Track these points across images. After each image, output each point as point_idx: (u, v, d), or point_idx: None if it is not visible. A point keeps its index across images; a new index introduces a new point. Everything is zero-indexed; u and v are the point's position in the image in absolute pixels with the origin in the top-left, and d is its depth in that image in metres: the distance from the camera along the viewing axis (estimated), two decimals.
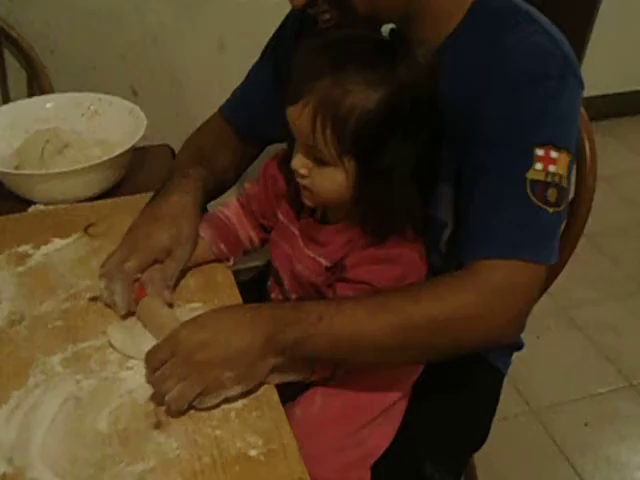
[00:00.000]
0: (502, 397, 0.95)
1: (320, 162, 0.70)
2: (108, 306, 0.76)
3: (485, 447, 0.92)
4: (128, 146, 0.95)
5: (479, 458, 1.05)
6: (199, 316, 0.69)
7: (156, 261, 0.77)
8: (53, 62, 1.48)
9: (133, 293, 0.75)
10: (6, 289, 0.79)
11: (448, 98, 0.69)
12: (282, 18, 0.98)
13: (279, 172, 0.85)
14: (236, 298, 0.79)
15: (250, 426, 0.63)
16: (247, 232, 0.87)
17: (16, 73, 1.47)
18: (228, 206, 0.88)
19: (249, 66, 1.03)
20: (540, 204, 0.66)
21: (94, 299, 0.78)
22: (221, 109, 0.99)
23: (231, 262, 0.85)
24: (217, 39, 1.56)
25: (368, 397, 0.76)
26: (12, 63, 1.47)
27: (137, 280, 0.76)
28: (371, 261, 0.73)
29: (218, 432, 0.63)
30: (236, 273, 0.85)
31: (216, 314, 0.69)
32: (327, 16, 0.71)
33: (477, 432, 0.89)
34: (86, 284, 0.80)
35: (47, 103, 1.07)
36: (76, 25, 1.47)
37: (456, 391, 0.85)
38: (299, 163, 0.71)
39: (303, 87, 0.67)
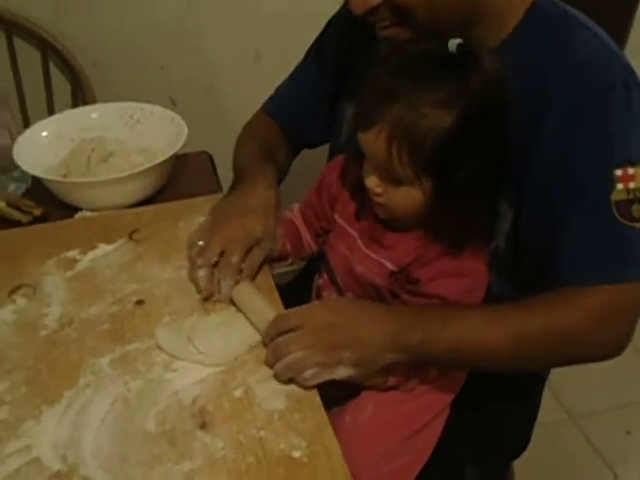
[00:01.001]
0: (542, 404, 0.94)
1: (396, 182, 0.70)
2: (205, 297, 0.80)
3: (524, 454, 0.91)
4: (170, 154, 0.98)
5: (518, 466, 1.04)
6: (331, 300, 0.77)
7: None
8: (95, 74, 1.53)
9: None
10: (57, 293, 0.82)
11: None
12: (317, 29, 1.00)
13: (337, 179, 0.86)
14: (276, 301, 0.80)
15: (293, 428, 0.64)
16: (307, 238, 0.90)
17: (61, 85, 1.52)
18: (292, 210, 0.91)
19: (283, 76, 1.05)
20: (628, 223, 0.67)
21: (140, 303, 0.80)
22: (264, 107, 1.01)
23: (289, 261, 0.89)
24: (253, 50, 1.59)
25: (415, 406, 0.77)
26: (57, 75, 1.52)
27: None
28: (444, 274, 0.74)
29: (262, 433, 0.64)
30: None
31: (347, 302, 0.77)
32: (386, 23, 0.72)
33: (518, 438, 0.89)
34: (132, 288, 0.82)
35: (92, 113, 1.10)
36: (118, 37, 1.52)
37: (497, 397, 0.85)
38: (373, 183, 0.73)
39: (376, 113, 0.67)
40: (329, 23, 0.95)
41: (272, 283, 0.83)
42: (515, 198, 0.74)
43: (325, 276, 0.89)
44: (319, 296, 0.89)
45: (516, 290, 0.78)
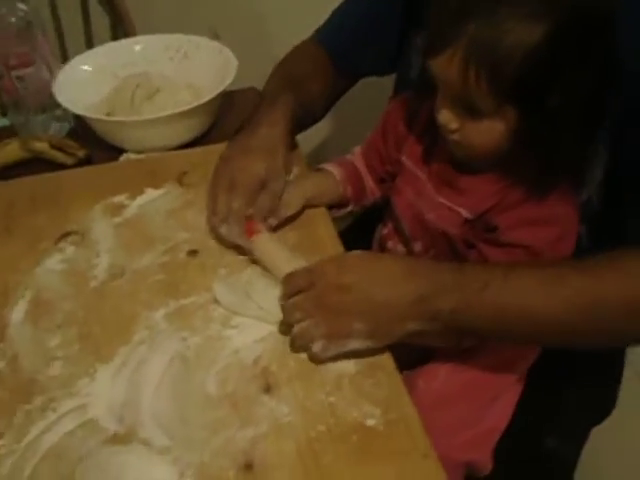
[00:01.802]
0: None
1: (473, 114, 0.61)
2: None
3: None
4: (219, 90, 0.90)
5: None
6: (347, 256, 0.65)
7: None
8: (135, 5, 1.43)
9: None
10: (104, 240, 0.77)
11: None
12: None
13: (404, 117, 0.77)
14: (340, 251, 0.73)
15: (365, 394, 0.58)
16: (369, 183, 0.82)
17: (100, 18, 1.44)
18: (354, 153, 0.83)
19: None
20: None
21: (193, 253, 0.74)
22: (317, 31, 0.91)
23: (350, 208, 0.81)
24: None
25: (489, 375, 0.70)
26: (95, 8, 1.43)
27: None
28: (528, 221, 0.65)
29: (332, 399, 0.58)
30: None
31: (366, 259, 0.64)
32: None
33: (601, 404, 0.82)
34: (183, 237, 0.76)
35: (136, 46, 1.02)
36: None
37: (577, 362, 0.78)
38: (447, 117, 0.63)
39: (448, 33, 0.57)
40: None
41: (334, 232, 0.76)
42: (612, 140, 0.64)
43: (390, 225, 0.81)
44: (383, 247, 0.82)
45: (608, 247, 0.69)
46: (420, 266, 0.62)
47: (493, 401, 0.71)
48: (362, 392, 0.59)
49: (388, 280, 0.60)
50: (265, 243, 0.71)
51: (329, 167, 0.81)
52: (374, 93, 0.98)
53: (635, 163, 0.62)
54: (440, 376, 0.69)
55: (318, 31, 0.93)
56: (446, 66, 0.59)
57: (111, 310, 0.68)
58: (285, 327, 0.63)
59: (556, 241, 0.66)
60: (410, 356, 0.67)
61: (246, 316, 0.66)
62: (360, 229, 0.93)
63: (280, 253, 0.69)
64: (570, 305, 0.58)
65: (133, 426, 0.57)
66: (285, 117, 0.79)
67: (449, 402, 0.69)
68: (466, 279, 0.60)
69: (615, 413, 0.83)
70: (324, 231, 0.77)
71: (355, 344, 0.60)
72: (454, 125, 0.64)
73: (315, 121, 0.91)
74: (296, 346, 0.62)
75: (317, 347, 0.60)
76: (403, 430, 0.56)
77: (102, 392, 0.60)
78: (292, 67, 0.90)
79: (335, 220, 0.81)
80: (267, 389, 0.59)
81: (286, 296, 0.62)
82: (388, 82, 0.93)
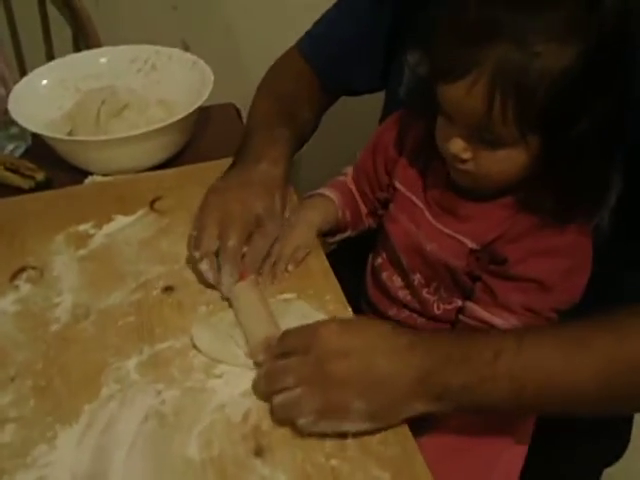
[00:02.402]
0: None
1: (491, 143, 0.55)
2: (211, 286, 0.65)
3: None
4: (195, 106, 0.82)
5: None
6: (350, 320, 0.58)
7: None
8: (99, 15, 1.35)
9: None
10: (68, 277, 0.68)
11: None
12: None
13: (395, 139, 0.71)
14: (334, 288, 0.66)
15: (372, 455, 0.51)
16: (363, 209, 0.76)
17: (61, 29, 1.35)
18: (346, 175, 0.76)
19: (315, 13, 0.87)
20: None
21: (169, 289, 0.66)
22: (300, 44, 0.84)
23: (347, 234, 0.75)
24: None
25: (498, 426, 0.63)
26: (56, 18, 1.34)
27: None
28: (540, 252, 0.59)
29: (334, 462, 0.50)
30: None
31: (367, 324, 0.56)
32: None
33: (614, 443, 0.76)
34: (157, 271, 0.68)
35: (100, 57, 0.94)
36: None
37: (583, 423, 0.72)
38: (459, 147, 0.57)
39: (468, 57, 0.51)
40: None
41: (327, 264, 0.69)
42: (626, 166, 0.58)
43: (384, 254, 0.74)
44: (377, 279, 0.75)
45: (613, 276, 0.63)
46: (424, 338, 0.54)
47: (503, 451, 0.64)
48: (368, 452, 0.51)
49: (392, 351, 0.52)
50: (249, 293, 0.63)
51: (326, 192, 0.75)
52: (363, 110, 0.91)
53: None
54: (446, 429, 0.61)
55: (300, 43, 0.86)
56: (465, 93, 0.53)
57: (74, 359, 0.59)
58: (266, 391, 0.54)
59: (569, 275, 0.61)
60: None
61: (230, 364, 0.58)
62: (346, 254, 0.86)
63: (261, 310, 0.61)
64: (596, 372, 0.51)
65: None
66: (286, 157, 0.73)
67: (456, 456, 0.62)
68: (475, 349, 0.52)
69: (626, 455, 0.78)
70: (315, 263, 0.69)
71: (350, 426, 0.51)
72: (467, 155, 0.57)
73: (305, 144, 0.85)
74: (281, 416, 0.53)
75: (304, 422, 0.51)
76: None
77: (64, 461, 0.51)
78: (280, 89, 0.84)
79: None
80: (259, 452, 0.51)
81: (274, 357, 0.54)
82: (377, 99, 0.86)
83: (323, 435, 0.52)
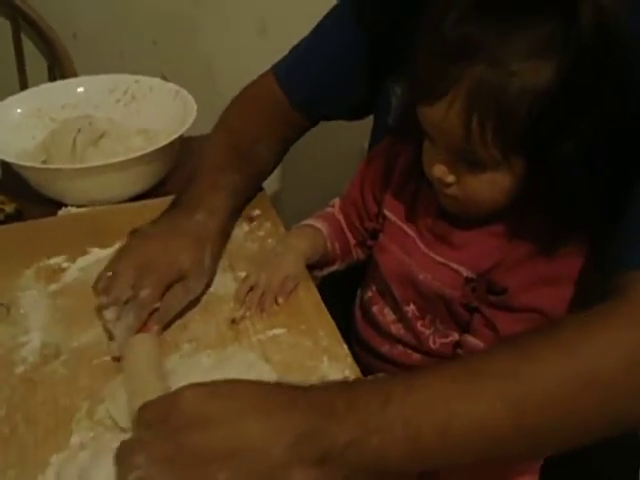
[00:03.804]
0: None
1: (474, 167, 0.53)
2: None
3: None
4: (178, 133, 0.79)
5: None
6: (218, 382, 0.46)
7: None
8: (76, 48, 1.32)
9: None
10: (36, 315, 0.63)
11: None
12: None
13: (383, 167, 0.69)
14: (327, 323, 0.62)
15: None
16: (352, 241, 0.73)
17: (35, 60, 1.32)
18: (334, 206, 0.73)
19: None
20: None
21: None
22: (273, 69, 0.81)
23: (336, 267, 0.72)
24: (258, 20, 1.40)
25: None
26: (31, 49, 1.31)
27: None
28: (541, 281, 0.57)
29: None
30: None
31: (241, 384, 0.46)
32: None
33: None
34: None
35: (78, 87, 0.91)
36: (101, 6, 1.32)
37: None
38: (442, 171, 0.55)
39: (445, 77, 0.50)
40: None
41: (318, 297, 0.66)
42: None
43: (374, 287, 0.71)
44: (367, 313, 0.71)
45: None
46: (308, 392, 0.45)
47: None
48: None
49: (266, 413, 0.43)
50: (143, 347, 0.56)
51: (314, 222, 0.72)
52: (350, 140, 0.89)
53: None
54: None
55: (275, 68, 0.83)
56: (443, 114, 0.51)
57: (42, 404, 0.54)
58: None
59: (569, 301, 0.58)
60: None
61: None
62: (332, 289, 0.82)
63: (152, 367, 0.54)
64: (497, 401, 0.43)
65: None
66: (227, 208, 0.69)
67: None
68: (360, 400, 0.44)
69: None
70: (305, 295, 0.65)
71: None
72: (451, 179, 0.56)
73: (262, 182, 0.82)
74: None
75: None
76: None
77: None
78: (242, 123, 0.80)
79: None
80: None
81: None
82: (365, 128, 0.85)
83: None
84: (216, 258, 0.66)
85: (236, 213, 0.72)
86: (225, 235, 0.69)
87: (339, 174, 0.79)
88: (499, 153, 0.51)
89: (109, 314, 0.57)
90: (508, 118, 0.49)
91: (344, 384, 0.49)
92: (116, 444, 0.49)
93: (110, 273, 0.60)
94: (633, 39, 0.50)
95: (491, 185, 0.55)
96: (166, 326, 0.61)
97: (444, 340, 0.64)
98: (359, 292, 0.74)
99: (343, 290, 0.77)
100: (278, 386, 0.47)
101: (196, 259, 0.62)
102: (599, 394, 0.44)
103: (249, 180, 0.75)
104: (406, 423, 0.42)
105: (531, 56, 0.48)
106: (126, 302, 0.58)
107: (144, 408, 0.45)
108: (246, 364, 0.57)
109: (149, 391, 0.50)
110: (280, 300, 0.64)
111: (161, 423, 0.43)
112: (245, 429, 0.42)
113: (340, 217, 0.74)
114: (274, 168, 0.83)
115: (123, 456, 0.43)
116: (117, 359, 0.57)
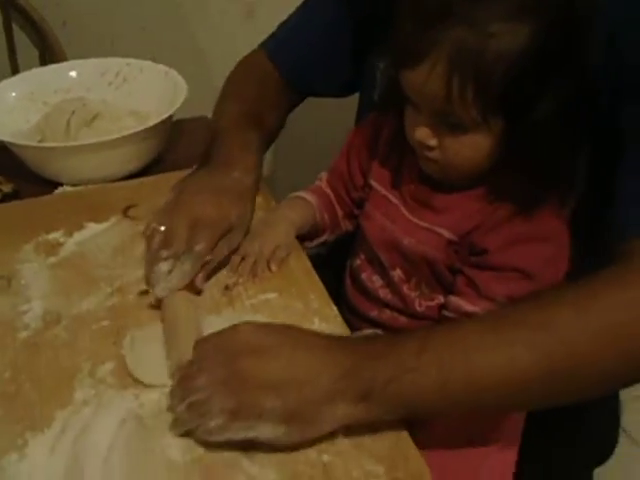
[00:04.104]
0: None
1: (455, 128, 0.55)
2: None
3: None
4: (169, 113, 0.81)
5: None
6: (268, 323, 0.54)
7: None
8: (66, 35, 1.34)
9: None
10: (37, 285, 0.65)
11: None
12: None
13: (368, 140, 0.71)
14: (317, 287, 0.65)
15: (366, 450, 0.49)
16: (340, 212, 0.75)
17: (26, 48, 1.33)
18: (321, 179, 0.76)
19: None
20: None
21: (146, 292, 0.64)
22: (264, 44, 0.84)
23: (324, 237, 0.73)
24: (245, 3, 1.41)
25: (483, 425, 0.62)
26: (21, 38, 1.33)
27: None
28: (520, 240, 0.59)
29: (326, 457, 0.48)
30: None
31: (289, 327, 0.53)
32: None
33: (602, 443, 0.75)
34: (135, 275, 0.66)
35: (70, 71, 0.92)
36: None
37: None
38: (425, 134, 0.57)
39: (426, 41, 0.52)
40: None
41: (308, 264, 0.68)
42: (594, 153, 0.59)
43: (362, 255, 0.73)
44: (356, 280, 0.74)
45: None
46: (345, 339, 0.53)
47: (494, 450, 0.63)
48: (361, 447, 0.49)
49: (313, 347, 0.49)
50: (182, 307, 0.60)
51: (304, 195, 0.74)
52: (337, 116, 0.91)
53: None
54: (429, 439, 0.59)
55: (266, 44, 0.86)
56: (425, 78, 0.53)
57: (46, 364, 0.56)
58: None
59: (549, 261, 0.60)
60: None
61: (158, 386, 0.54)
62: (324, 259, 0.85)
63: (192, 318, 0.59)
64: (532, 350, 0.48)
65: None
66: (257, 165, 0.73)
67: (447, 464, 0.59)
68: (399, 343, 0.49)
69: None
70: (296, 263, 0.68)
71: (265, 430, 0.47)
72: (433, 142, 0.58)
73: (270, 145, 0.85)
74: (188, 422, 0.48)
75: (214, 425, 0.47)
76: None
77: (36, 470, 0.48)
78: (247, 92, 0.82)
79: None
80: (246, 450, 0.49)
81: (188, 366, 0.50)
82: (352, 104, 0.87)
83: None
84: (253, 212, 0.69)
85: (261, 170, 0.75)
86: (257, 190, 0.72)
87: (327, 151, 0.81)
88: (479, 114, 0.53)
89: (165, 266, 0.60)
90: (487, 79, 0.51)
91: (385, 336, 0.54)
92: (117, 400, 0.53)
93: (163, 228, 0.63)
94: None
95: (471, 147, 0.57)
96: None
97: (429, 303, 0.67)
98: (349, 262, 0.77)
99: (334, 261, 0.80)
100: (321, 333, 0.53)
101: (241, 213, 0.66)
102: (622, 345, 0.48)
103: (264, 140, 0.78)
104: (440, 367, 0.47)
105: (508, 19, 0.50)
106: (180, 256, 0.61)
107: (202, 341, 0.51)
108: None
109: (191, 337, 0.54)
110: (273, 268, 0.66)
111: (220, 351, 0.49)
112: (296, 362, 0.48)
113: (328, 190, 0.76)
114: (278, 134, 0.85)
115: (183, 382, 0.49)
116: (157, 306, 0.61)
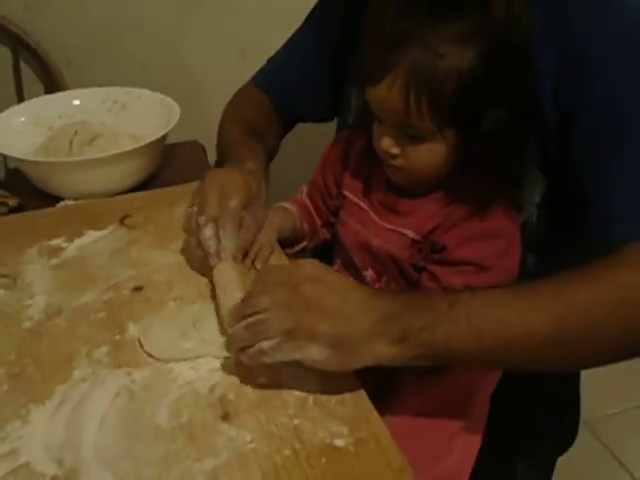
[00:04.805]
0: None
1: (414, 138, 0.63)
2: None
3: None
4: (162, 133, 0.89)
5: None
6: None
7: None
8: (70, 74, 1.44)
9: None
10: (40, 282, 0.71)
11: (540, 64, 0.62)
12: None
13: (341, 154, 0.79)
14: None
15: (331, 414, 0.55)
16: (318, 222, 0.82)
17: (33, 85, 1.43)
18: (302, 192, 0.83)
19: (272, 49, 0.95)
20: None
21: (138, 289, 0.70)
22: (255, 79, 0.93)
23: (304, 244, 0.80)
24: (238, 47, 1.53)
25: (452, 405, 0.68)
26: (29, 74, 1.42)
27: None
28: (474, 237, 0.66)
29: (296, 421, 0.54)
30: None
31: (341, 275, 0.61)
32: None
33: (563, 432, 0.81)
34: (128, 274, 0.72)
35: (74, 99, 1.01)
36: (93, 35, 1.44)
37: (537, 394, 0.77)
38: (388, 144, 0.64)
39: (386, 61, 0.60)
40: None
41: (287, 262, 0.75)
42: (547, 165, 0.67)
43: (339, 260, 0.80)
44: None
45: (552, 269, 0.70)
46: (388, 291, 0.61)
47: (462, 428, 0.69)
48: (328, 411, 0.55)
49: (362, 291, 0.57)
50: (230, 272, 0.67)
51: (286, 204, 0.81)
52: (319, 138, 1.00)
53: (572, 183, 0.65)
54: (402, 410, 0.66)
55: (256, 78, 0.95)
56: (386, 93, 0.61)
57: (48, 348, 0.62)
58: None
59: (502, 255, 0.67)
60: (367, 385, 0.63)
61: (185, 359, 0.61)
62: None
63: (241, 283, 0.65)
64: (545, 315, 0.56)
65: (74, 468, 0.51)
66: (266, 164, 0.83)
67: (414, 436, 0.65)
68: (434, 299, 0.58)
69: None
70: (278, 261, 0.74)
71: (312, 351, 0.54)
72: (396, 150, 0.65)
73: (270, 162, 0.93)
74: (239, 339, 0.55)
75: (268, 344, 0.53)
76: (374, 448, 0.52)
77: (37, 434, 0.53)
78: (246, 116, 0.91)
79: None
80: (225, 417, 0.55)
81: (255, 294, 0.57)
82: (331, 128, 0.95)
83: (286, 398, 0.56)
84: (266, 192, 0.77)
85: (266, 174, 0.83)
86: (267, 181, 0.80)
87: (309, 167, 0.89)
88: (434, 125, 0.61)
89: (207, 231, 0.67)
90: (438, 94, 0.59)
91: (419, 292, 0.62)
92: (111, 377, 0.59)
93: (197, 201, 0.70)
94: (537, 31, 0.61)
95: (429, 154, 0.64)
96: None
97: None
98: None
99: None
100: (363, 285, 0.61)
101: (259, 188, 0.74)
102: (623, 314, 0.56)
103: (267, 152, 0.86)
104: (469, 321, 0.55)
105: (455, 42, 0.58)
106: (218, 219, 0.68)
107: (265, 270, 0.61)
108: None
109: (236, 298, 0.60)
110: (258, 266, 0.73)
111: (283, 278, 0.56)
112: (350, 298, 0.55)
113: (307, 201, 0.84)
114: (274, 154, 0.94)
115: (248, 304, 0.55)
116: (210, 270, 0.67)
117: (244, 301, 0.57)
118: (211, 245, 0.68)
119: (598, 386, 1.55)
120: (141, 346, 0.62)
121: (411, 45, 0.59)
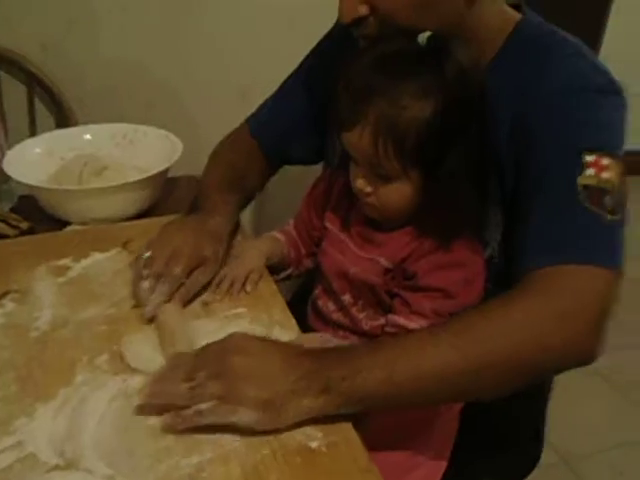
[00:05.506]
0: None
1: (384, 179, 0.71)
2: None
3: None
4: (165, 166, 0.97)
5: None
6: (254, 335, 0.67)
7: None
8: (81, 111, 1.53)
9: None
10: (48, 297, 0.78)
11: (492, 120, 0.70)
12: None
13: (324, 190, 0.87)
14: (281, 305, 0.78)
15: (307, 420, 0.61)
16: (303, 252, 0.89)
17: (45, 120, 1.52)
18: (289, 224, 0.91)
19: (270, 89, 1.02)
20: (596, 210, 0.63)
21: (136, 306, 0.77)
22: (248, 121, 1.00)
23: (290, 270, 0.87)
24: (238, 88, 1.62)
25: (422, 418, 0.74)
26: (41, 109, 1.52)
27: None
28: (440, 266, 0.73)
29: None
30: None
31: (264, 339, 0.66)
32: (368, 33, 0.73)
33: (527, 454, 0.86)
34: (128, 293, 0.79)
35: (85, 134, 1.10)
36: (104, 75, 1.54)
37: (502, 414, 0.83)
38: (362, 183, 0.72)
39: (356, 112, 0.68)
40: (329, 34, 0.95)
41: (274, 287, 0.82)
42: (506, 205, 0.74)
43: (320, 287, 0.87)
44: (314, 307, 0.87)
45: None
46: (311, 350, 0.64)
47: (428, 443, 0.74)
48: (305, 419, 0.61)
49: (286, 354, 0.62)
50: (173, 314, 0.74)
51: (274, 234, 0.89)
52: (307, 177, 1.08)
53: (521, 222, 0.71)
54: (372, 422, 0.71)
55: (248, 122, 1.02)
56: (358, 139, 0.69)
57: (53, 355, 0.69)
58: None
59: (466, 283, 0.74)
60: None
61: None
62: (302, 298, 0.98)
63: (181, 326, 0.72)
64: (454, 348, 0.60)
65: (74, 458, 0.56)
66: (234, 216, 0.90)
67: (383, 449, 0.71)
68: (356, 351, 0.63)
69: None
70: (264, 285, 0.81)
71: (244, 415, 0.58)
72: (369, 189, 0.73)
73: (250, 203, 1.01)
74: (181, 396, 0.59)
75: (205, 407, 0.58)
76: (344, 450, 0.58)
77: (41, 429, 0.59)
78: (231, 159, 0.98)
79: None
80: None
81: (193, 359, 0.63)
82: (318, 170, 1.04)
83: None
84: (226, 251, 0.84)
85: (237, 221, 0.92)
86: (232, 236, 0.88)
87: (297, 203, 0.97)
88: (400, 167, 0.69)
89: (146, 284, 0.75)
90: (402, 140, 0.67)
91: (342, 346, 0.67)
92: (110, 382, 0.65)
93: (149, 253, 0.78)
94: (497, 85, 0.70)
95: (398, 193, 0.72)
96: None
97: (374, 322, 0.80)
98: (311, 295, 0.91)
99: (298, 297, 0.94)
100: (287, 343, 0.67)
101: (216, 250, 0.80)
102: (528, 347, 0.61)
103: (244, 199, 0.95)
104: (384, 365, 0.60)
105: (416, 96, 0.66)
106: (159, 277, 0.75)
107: (206, 345, 0.64)
108: (217, 328, 0.73)
109: (180, 342, 0.68)
110: (248, 288, 0.80)
111: (217, 351, 0.62)
112: (272, 361, 0.60)
113: (294, 232, 0.91)
114: (258, 193, 1.02)
115: (189, 374, 0.60)
116: (150, 320, 0.73)
117: (185, 374, 0.60)
118: (144, 296, 0.75)
119: (579, 425, 1.59)
120: (122, 359, 0.68)
121: (377, 98, 0.67)
